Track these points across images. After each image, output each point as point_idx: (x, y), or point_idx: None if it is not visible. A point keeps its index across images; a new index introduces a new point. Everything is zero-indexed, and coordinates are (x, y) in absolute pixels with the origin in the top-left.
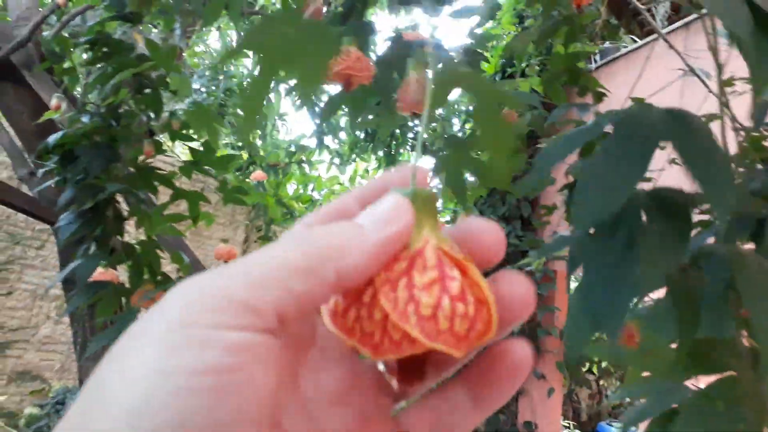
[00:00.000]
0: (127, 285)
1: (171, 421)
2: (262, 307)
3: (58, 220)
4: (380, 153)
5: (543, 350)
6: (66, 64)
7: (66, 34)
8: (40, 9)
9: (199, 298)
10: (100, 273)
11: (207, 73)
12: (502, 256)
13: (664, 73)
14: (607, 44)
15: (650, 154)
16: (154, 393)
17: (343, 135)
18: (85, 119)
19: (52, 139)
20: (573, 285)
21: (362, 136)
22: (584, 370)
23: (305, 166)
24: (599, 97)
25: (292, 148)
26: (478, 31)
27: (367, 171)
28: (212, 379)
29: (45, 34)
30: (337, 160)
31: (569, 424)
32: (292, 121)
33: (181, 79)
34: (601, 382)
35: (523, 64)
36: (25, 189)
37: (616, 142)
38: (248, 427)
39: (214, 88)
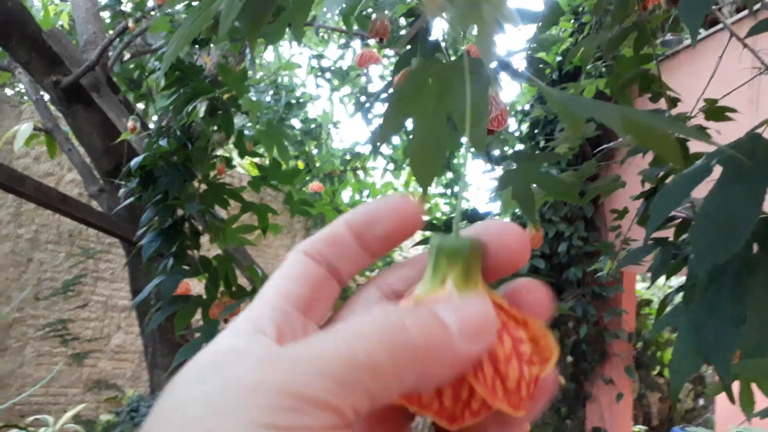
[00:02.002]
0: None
1: None
2: (343, 407)
3: (141, 239)
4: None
5: (610, 354)
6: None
7: (128, 54)
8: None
9: (274, 396)
10: (182, 285)
11: (264, 84)
12: (550, 313)
13: (731, 65)
14: (668, 36)
15: (764, 191)
16: None
17: (396, 140)
18: (162, 142)
19: (134, 162)
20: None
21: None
22: (654, 373)
23: (360, 173)
24: (674, 102)
25: (347, 156)
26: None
27: None
28: None
29: (110, 54)
30: (391, 166)
31: (640, 429)
32: (347, 129)
33: (252, 101)
34: None
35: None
36: (94, 204)
37: (728, 181)
38: None
39: (272, 101)
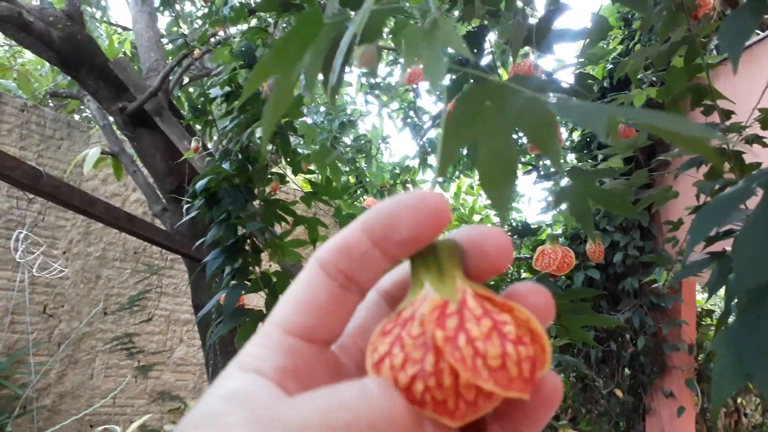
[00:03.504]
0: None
1: None
2: None
3: (206, 256)
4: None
5: (670, 366)
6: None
7: (187, 78)
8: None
9: None
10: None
11: (316, 105)
12: (551, 316)
13: None
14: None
15: None
16: None
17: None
18: (225, 165)
19: (199, 185)
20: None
21: (464, 152)
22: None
23: (410, 186)
24: (727, 115)
25: (397, 170)
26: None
27: (471, 187)
28: None
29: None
30: (440, 178)
31: None
32: (396, 143)
33: (307, 126)
34: (739, 400)
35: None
36: (158, 223)
37: None
38: None
39: (325, 121)
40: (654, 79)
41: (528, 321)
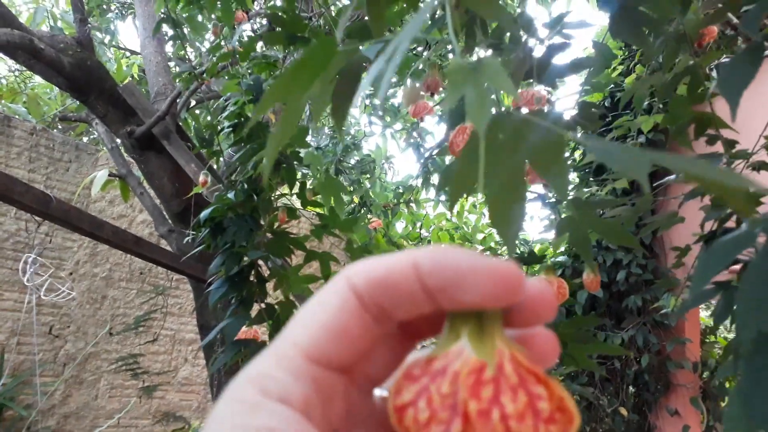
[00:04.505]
0: (268, 342)
1: None
2: None
3: (211, 280)
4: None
5: (674, 384)
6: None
7: (193, 101)
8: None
9: None
10: (243, 332)
11: (320, 126)
12: (555, 360)
13: None
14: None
15: None
16: None
17: None
18: (230, 195)
19: (204, 214)
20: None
21: None
22: (723, 405)
23: (413, 205)
24: (731, 145)
25: (400, 189)
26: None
27: (474, 206)
28: None
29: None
30: (443, 197)
31: None
32: (399, 163)
33: (313, 156)
34: None
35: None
36: (164, 243)
37: None
38: None
39: (329, 144)
40: (661, 106)
41: (561, 395)
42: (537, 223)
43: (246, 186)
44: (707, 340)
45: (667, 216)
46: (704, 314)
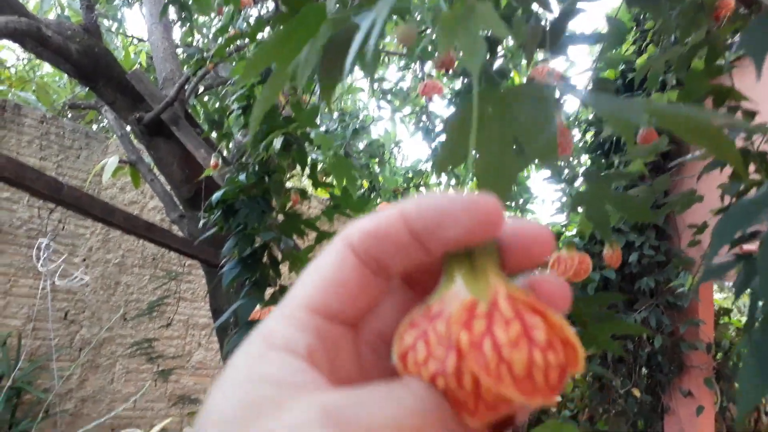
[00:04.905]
0: None
1: None
2: None
3: (222, 267)
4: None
5: (688, 365)
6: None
7: (201, 87)
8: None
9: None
10: (256, 311)
11: (328, 111)
12: (567, 305)
13: None
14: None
15: None
16: None
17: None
18: (242, 177)
19: (216, 196)
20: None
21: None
22: (737, 386)
23: (423, 189)
24: (751, 115)
25: (410, 174)
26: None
27: None
28: None
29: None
30: (453, 181)
31: None
32: (408, 147)
33: (323, 137)
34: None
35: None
36: (175, 229)
37: None
38: None
39: (338, 127)
40: (675, 81)
41: (560, 324)
42: (549, 207)
43: (257, 168)
44: (721, 322)
45: (685, 194)
46: (718, 296)
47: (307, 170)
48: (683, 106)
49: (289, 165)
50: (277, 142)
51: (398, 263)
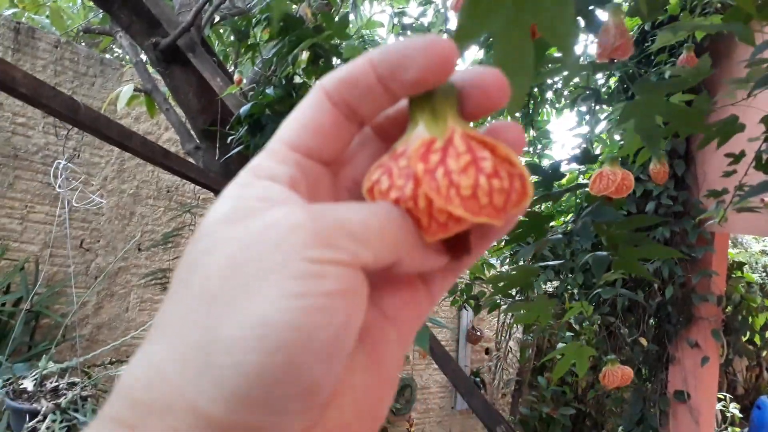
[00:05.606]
0: None
1: (297, 336)
2: (360, 257)
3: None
4: (517, 114)
5: (697, 317)
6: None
7: (217, 17)
8: None
9: (310, 236)
10: None
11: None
12: (523, 147)
13: None
14: None
15: None
16: (286, 308)
17: None
18: (269, 91)
19: (244, 110)
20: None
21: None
22: (744, 339)
23: None
24: None
25: None
26: None
27: None
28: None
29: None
30: (471, 125)
31: (724, 396)
32: None
33: (353, 48)
34: (765, 354)
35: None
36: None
37: None
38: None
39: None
40: (719, 5)
41: (508, 156)
42: (568, 153)
43: (284, 82)
44: (733, 275)
45: (725, 121)
46: (733, 251)
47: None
48: None
49: (316, 79)
50: (305, 55)
51: (366, 107)
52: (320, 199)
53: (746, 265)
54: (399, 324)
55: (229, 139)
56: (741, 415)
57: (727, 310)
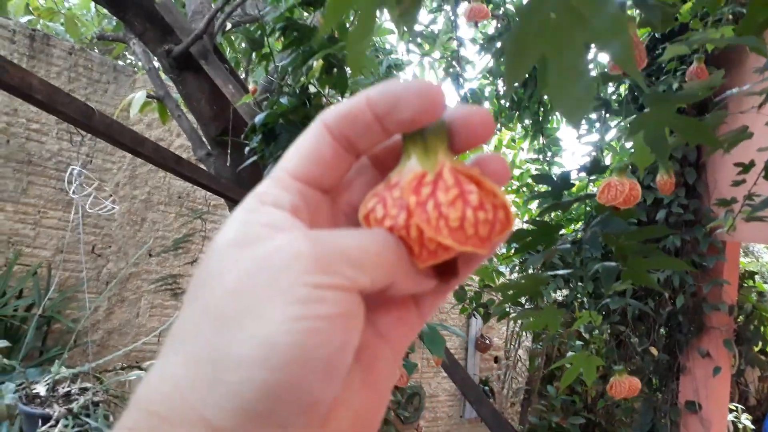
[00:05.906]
0: None
1: (299, 355)
2: (359, 282)
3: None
4: (527, 121)
5: (708, 326)
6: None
7: (229, 24)
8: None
9: (312, 263)
10: None
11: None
12: (508, 179)
13: None
14: None
15: None
16: (289, 330)
17: (487, 105)
18: (283, 100)
19: (258, 119)
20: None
21: (507, 104)
22: (756, 349)
23: None
24: None
25: None
26: None
27: (513, 140)
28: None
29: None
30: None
31: (736, 407)
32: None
33: (367, 58)
34: None
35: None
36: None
37: None
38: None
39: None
40: (731, 16)
41: (492, 189)
42: (578, 161)
43: (298, 92)
44: (745, 284)
45: (735, 132)
46: (744, 260)
47: (347, 95)
48: None
49: (329, 88)
50: (318, 65)
51: (364, 141)
52: (320, 223)
53: (758, 275)
54: (392, 341)
55: (246, 149)
56: (753, 427)
57: (738, 320)
